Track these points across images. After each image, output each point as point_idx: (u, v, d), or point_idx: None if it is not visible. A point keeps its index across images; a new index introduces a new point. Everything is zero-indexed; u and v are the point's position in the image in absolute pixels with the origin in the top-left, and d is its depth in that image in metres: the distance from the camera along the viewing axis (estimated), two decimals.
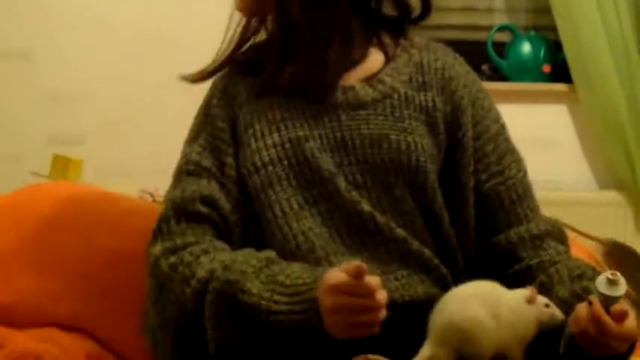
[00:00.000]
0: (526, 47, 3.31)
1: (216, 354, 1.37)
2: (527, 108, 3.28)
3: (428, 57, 1.54)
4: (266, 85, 1.49)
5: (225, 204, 1.46)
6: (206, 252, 1.41)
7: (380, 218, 1.42)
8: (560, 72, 3.29)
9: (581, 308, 1.28)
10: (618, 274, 1.26)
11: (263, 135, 1.47)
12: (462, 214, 1.50)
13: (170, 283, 1.42)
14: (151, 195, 2.22)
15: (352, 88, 1.49)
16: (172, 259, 1.42)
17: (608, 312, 1.25)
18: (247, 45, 1.57)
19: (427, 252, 1.44)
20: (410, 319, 1.38)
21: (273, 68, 1.48)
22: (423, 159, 1.45)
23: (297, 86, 1.48)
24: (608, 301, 1.26)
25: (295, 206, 1.43)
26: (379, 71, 1.52)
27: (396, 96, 1.49)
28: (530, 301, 1.30)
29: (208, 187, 1.47)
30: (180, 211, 1.46)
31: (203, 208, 1.45)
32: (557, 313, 1.31)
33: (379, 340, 1.26)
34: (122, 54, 3.26)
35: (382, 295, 1.23)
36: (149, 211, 1.65)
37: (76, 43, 3.25)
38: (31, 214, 1.75)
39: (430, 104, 1.50)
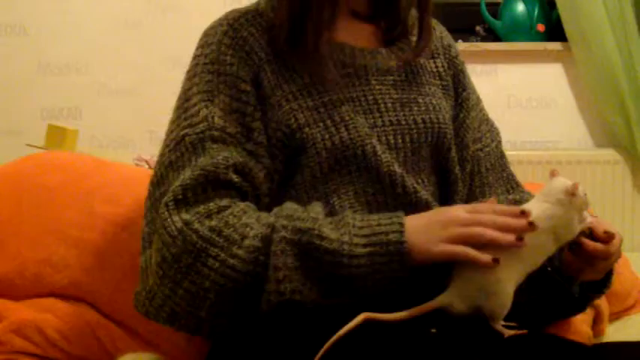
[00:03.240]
0: (520, 7, 3.30)
1: (264, 313, 1.29)
2: (522, 68, 3.27)
3: None
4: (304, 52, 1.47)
5: (257, 173, 1.41)
6: (245, 212, 1.35)
7: (408, 181, 1.45)
8: (555, 31, 3.28)
9: (567, 256, 1.39)
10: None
11: (295, 97, 1.44)
12: (463, 174, 1.56)
13: (213, 248, 1.31)
14: (147, 162, 2.22)
15: (380, 52, 1.54)
16: (213, 221, 1.33)
17: (593, 239, 1.33)
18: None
19: None
20: (429, 284, 1.36)
21: (313, 37, 1.45)
22: (448, 117, 1.54)
23: (329, 50, 1.47)
24: (588, 233, 1.33)
25: (326, 169, 1.42)
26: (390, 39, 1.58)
27: (413, 63, 1.56)
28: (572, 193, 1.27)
29: (240, 155, 1.40)
30: (210, 180, 1.37)
31: (235, 177, 1.38)
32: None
33: (396, 301, 1.27)
34: (117, 24, 3.24)
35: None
36: (147, 178, 1.64)
37: (70, 15, 3.23)
38: (29, 184, 1.75)
39: (441, 69, 1.60)
